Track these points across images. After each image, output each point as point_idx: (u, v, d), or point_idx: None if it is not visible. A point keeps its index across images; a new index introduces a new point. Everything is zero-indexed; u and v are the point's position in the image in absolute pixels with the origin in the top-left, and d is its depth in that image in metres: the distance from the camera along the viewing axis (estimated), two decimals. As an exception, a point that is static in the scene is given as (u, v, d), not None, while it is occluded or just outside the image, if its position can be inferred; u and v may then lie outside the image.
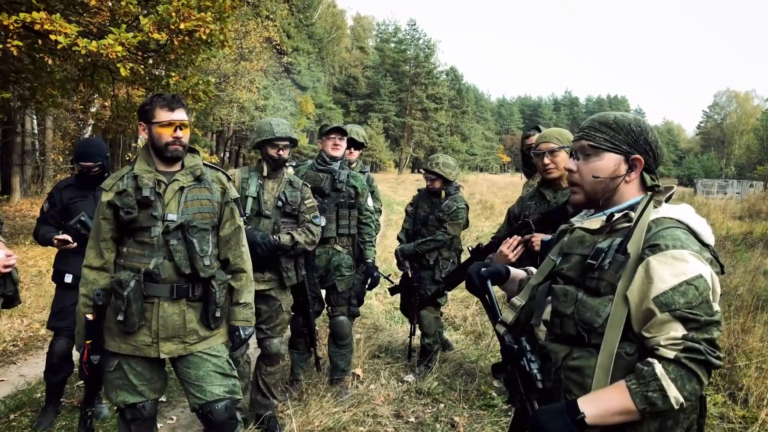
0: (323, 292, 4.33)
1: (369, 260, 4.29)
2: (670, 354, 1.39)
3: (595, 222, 1.64)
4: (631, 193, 1.64)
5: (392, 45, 65.13)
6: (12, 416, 3.87)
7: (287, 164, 4.07)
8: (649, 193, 1.62)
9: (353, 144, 4.80)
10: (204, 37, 8.08)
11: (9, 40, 7.42)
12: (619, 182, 1.62)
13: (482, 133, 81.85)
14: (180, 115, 2.60)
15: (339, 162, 4.21)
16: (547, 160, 3.17)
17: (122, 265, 2.60)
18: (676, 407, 1.39)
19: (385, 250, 11.02)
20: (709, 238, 1.54)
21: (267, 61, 26.80)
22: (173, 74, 8.77)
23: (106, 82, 10.20)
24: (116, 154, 23.50)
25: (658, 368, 1.39)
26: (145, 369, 2.65)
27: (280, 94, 36.73)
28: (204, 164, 2.76)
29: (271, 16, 29.04)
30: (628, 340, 1.47)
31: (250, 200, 3.56)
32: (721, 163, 73.80)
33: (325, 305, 4.35)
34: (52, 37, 7.28)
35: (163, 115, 2.57)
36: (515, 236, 2.90)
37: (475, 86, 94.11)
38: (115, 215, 2.57)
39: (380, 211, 5.38)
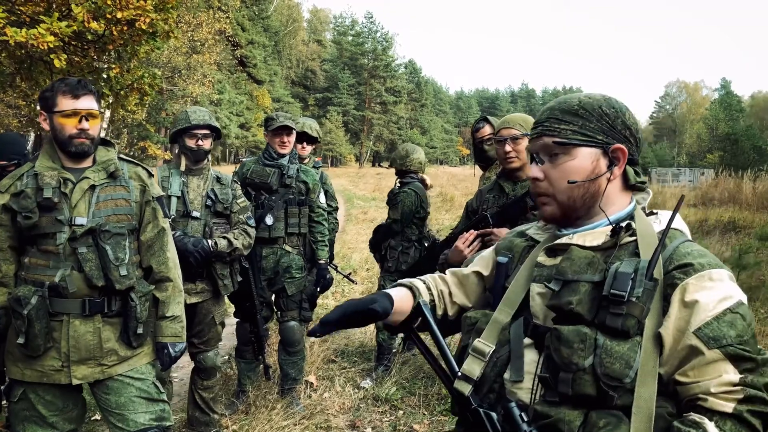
0: (273, 296, 4.01)
1: (321, 261, 3.98)
2: (728, 407, 1.03)
3: (593, 235, 1.25)
4: (616, 194, 1.28)
5: (350, 38, 64.64)
6: None
7: (240, 159, 3.75)
8: (637, 199, 1.30)
9: (306, 138, 4.48)
10: (145, 27, 7.61)
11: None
12: (603, 183, 1.25)
13: (441, 126, 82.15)
14: (86, 103, 2.24)
15: (288, 156, 3.88)
16: (508, 148, 2.91)
17: (24, 278, 2.24)
18: None
19: (344, 246, 10.73)
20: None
21: (220, 54, 26.12)
22: (113, 66, 8.26)
23: (45, 75, 9.62)
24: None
25: (711, 428, 1.02)
26: (56, 397, 2.29)
27: (235, 88, 35.97)
28: (120, 158, 2.42)
29: (224, 8, 28.27)
30: (665, 395, 1.10)
31: (174, 200, 3.20)
32: (673, 152, 75.54)
33: (275, 310, 4.03)
34: (-24, 26, 6.73)
35: (65, 103, 2.21)
36: (471, 231, 2.68)
37: (433, 79, 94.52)
38: (13, 221, 2.21)
39: (336, 209, 5.07)
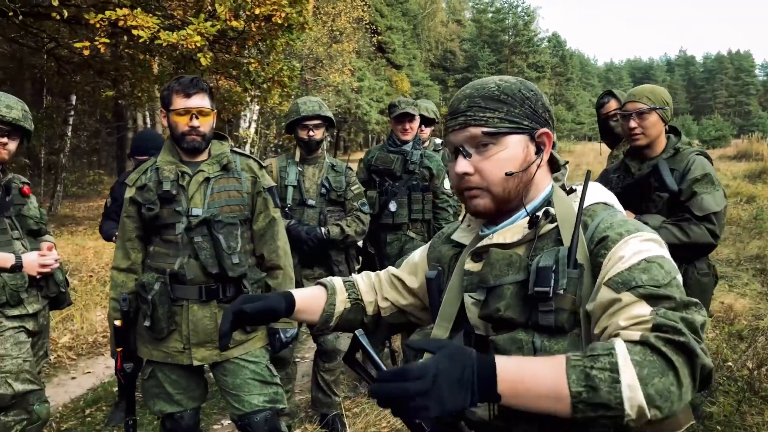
0: None
1: (445, 247, 3.92)
2: (635, 335, 0.93)
3: (512, 231, 1.17)
4: (542, 180, 1.22)
5: (489, 15, 63.20)
6: (88, 411, 3.92)
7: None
8: (554, 177, 1.24)
9: (424, 121, 4.43)
10: (280, 21, 7.95)
11: (97, 38, 7.68)
12: (533, 171, 1.18)
13: (589, 101, 78.00)
14: (197, 101, 2.34)
15: (411, 142, 3.86)
16: (633, 124, 2.65)
17: (149, 265, 2.42)
18: (630, 413, 0.87)
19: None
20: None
21: (359, 42, 26.71)
22: (252, 61, 8.73)
23: (196, 73, 10.45)
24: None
25: (619, 344, 0.91)
26: (181, 377, 2.47)
27: (374, 75, 36.71)
28: (232, 151, 2.52)
29: (362, -4, 28.82)
30: None
31: (290, 189, 3.29)
32: None
33: None
34: (135, 32, 7.43)
35: (179, 101, 2.33)
36: None
37: (579, 51, 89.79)
38: (139, 212, 2.39)
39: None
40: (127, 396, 2.52)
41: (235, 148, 2.54)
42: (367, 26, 29.27)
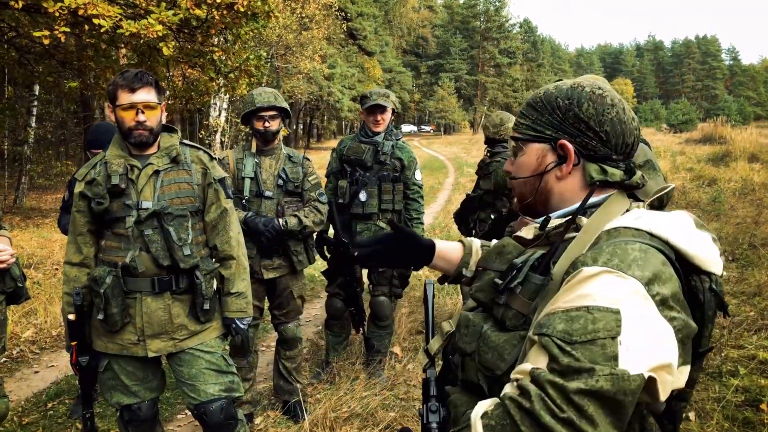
0: (365, 272, 4.09)
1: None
2: (507, 390, 0.94)
3: (529, 229, 1.19)
4: (573, 192, 1.15)
5: (461, 1, 63.23)
6: (50, 404, 3.91)
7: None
8: (613, 191, 1.13)
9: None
10: (243, 9, 7.89)
11: (56, 27, 7.53)
12: (550, 180, 1.16)
13: (560, 86, 78.54)
14: (143, 95, 2.34)
15: (383, 133, 3.91)
16: None
17: (101, 259, 2.43)
18: None
19: (447, 216, 10.66)
20: (711, 263, 1.02)
21: (329, 29, 26.52)
22: (216, 50, 8.65)
23: (161, 63, 10.31)
24: (194, 133, 24.16)
25: (477, 410, 0.95)
26: (137, 368, 2.49)
27: (346, 62, 36.51)
28: (182, 143, 2.53)
29: (331, -18, 28.61)
30: None
31: (247, 181, 3.31)
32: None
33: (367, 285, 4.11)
34: (96, 21, 7.31)
35: (124, 97, 2.32)
36: None
37: (550, 37, 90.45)
38: (90, 207, 2.40)
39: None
40: (84, 389, 2.54)
41: (184, 141, 2.56)
42: (338, 13, 29.06)
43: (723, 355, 3.94)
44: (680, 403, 1.10)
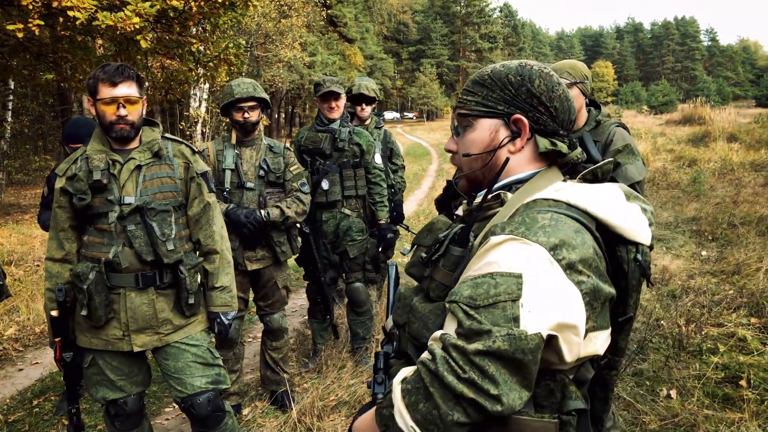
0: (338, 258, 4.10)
1: (381, 221, 4.00)
2: (422, 356, 1.01)
3: (465, 206, 1.27)
4: (521, 165, 1.19)
5: (441, -14, 62.88)
6: (36, 402, 3.90)
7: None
8: (544, 165, 1.19)
9: (364, 99, 4.45)
10: (221, 0, 7.80)
11: (30, 20, 7.40)
12: (502, 155, 1.18)
13: (541, 70, 78.72)
14: (124, 89, 2.31)
15: (339, 120, 3.91)
16: None
17: (84, 255, 2.42)
18: None
19: (431, 203, 10.69)
20: (637, 233, 1.08)
21: (309, 16, 26.29)
22: (194, 41, 8.56)
23: (140, 54, 10.17)
24: (174, 125, 23.88)
25: (399, 375, 1.03)
26: (122, 363, 2.49)
27: (327, 49, 36.26)
28: (164, 137, 2.51)
29: (310, -31, 28.31)
30: None
31: (228, 173, 3.29)
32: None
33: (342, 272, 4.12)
34: (70, 13, 7.19)
35: (104, 91, 2.29)
36: None
37: (531, 21, 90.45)
38: (71, 202, 2.38)
39: (403, 167, 5.03)
40: (69, 385, 2.54)
41: (166, 134, 2.54)
42: (317, 0, 28.82)
43: (703, 333, 4.02)
44: (611, 371, 1.17)
